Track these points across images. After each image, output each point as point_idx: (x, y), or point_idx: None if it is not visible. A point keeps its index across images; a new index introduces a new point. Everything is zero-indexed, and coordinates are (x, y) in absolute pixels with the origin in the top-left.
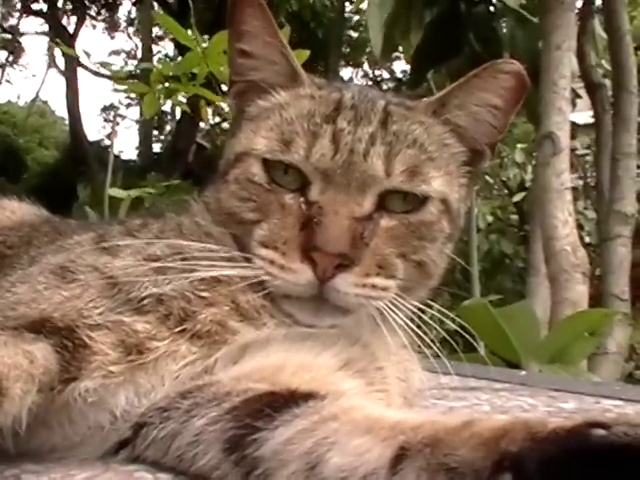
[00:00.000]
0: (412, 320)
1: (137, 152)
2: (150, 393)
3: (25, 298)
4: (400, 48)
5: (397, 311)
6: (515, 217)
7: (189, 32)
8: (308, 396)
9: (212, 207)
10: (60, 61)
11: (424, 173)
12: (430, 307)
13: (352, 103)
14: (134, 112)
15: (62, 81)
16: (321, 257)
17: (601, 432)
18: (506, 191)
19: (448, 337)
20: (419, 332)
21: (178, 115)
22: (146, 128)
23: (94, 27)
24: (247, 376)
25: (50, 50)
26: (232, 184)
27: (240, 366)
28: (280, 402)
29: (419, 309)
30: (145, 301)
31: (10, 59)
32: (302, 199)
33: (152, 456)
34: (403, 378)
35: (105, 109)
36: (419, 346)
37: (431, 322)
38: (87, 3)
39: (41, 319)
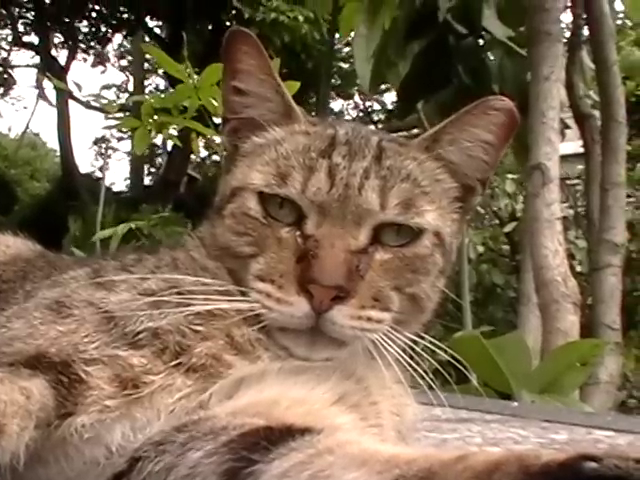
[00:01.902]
0: (404, 351)
1: (128, 184)
2: (146, 427)
3: (21, 333)
4: (389, 80)
5: (391, 344)
6: (506, 247)
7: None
8: (305, 430)
9: (207, 242)
10: (52, 94)
11: (418, 206)
12: (422, 338)
13: (346, 139)
14: (125, 145)
15: (54, 113)
16: (318, 289)
17: (592, 465)
18: (497, 221)
19: (440, 368)
20: (413, 364)
21: (169, 147)
22: (137, 160)
23: (85, 60)
24: (242, 411)
25: (39, 82)
26: (228, 218)
27: (235, 401)
28: (277, 435)
29: (412, 341)
30: (141, 335)
31: (1, 92)
32: (298, 233)
33: None
34: (397, 412)
35: (97, 142)
36: (412, 377)
37: (423, 354)
38: (78, 36)
39: (37, 354)
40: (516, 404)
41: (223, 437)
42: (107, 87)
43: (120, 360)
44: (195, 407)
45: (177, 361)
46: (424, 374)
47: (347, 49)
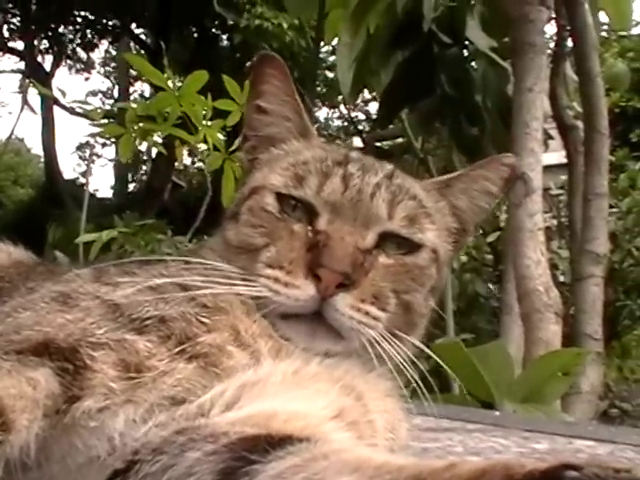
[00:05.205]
0: (398, 353)
1: (112, 190)
2: (148, 417)
3: (28, 322)
4: (371, 87)
5: (385, 344)
6: (490, 257)
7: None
8: (303, 439)
9: (217, 247)
10: (36, 99)
11: (421, 223)
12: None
13: (359, 158)
14: (109, 151)
15: (38, 119)
16: (326, 273)
17: (573, 473)
18: (481, 231)
19: (420, 377)
20: (406, 366)
21: (154, 154)
22: (121, 167)
23: (70, 67)
24: (242, 421)
25: (23, 89)
26: (245, 214)
27: (235, 412)
28: (277, 440)
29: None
30: (148, 321)
31: None
32: (310, 227)
33: None
34: (391, 430)
35: (80, 147)
36: (402, 386)
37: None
38: (64, 42)
39: (45, 341)
40: (498, 413)
41: (224, 439)
42: (93, 93)
43: (127, 344)
44: (196, 413)
45: (181, 347)
46: (414, 382)
47: (332, 58)
